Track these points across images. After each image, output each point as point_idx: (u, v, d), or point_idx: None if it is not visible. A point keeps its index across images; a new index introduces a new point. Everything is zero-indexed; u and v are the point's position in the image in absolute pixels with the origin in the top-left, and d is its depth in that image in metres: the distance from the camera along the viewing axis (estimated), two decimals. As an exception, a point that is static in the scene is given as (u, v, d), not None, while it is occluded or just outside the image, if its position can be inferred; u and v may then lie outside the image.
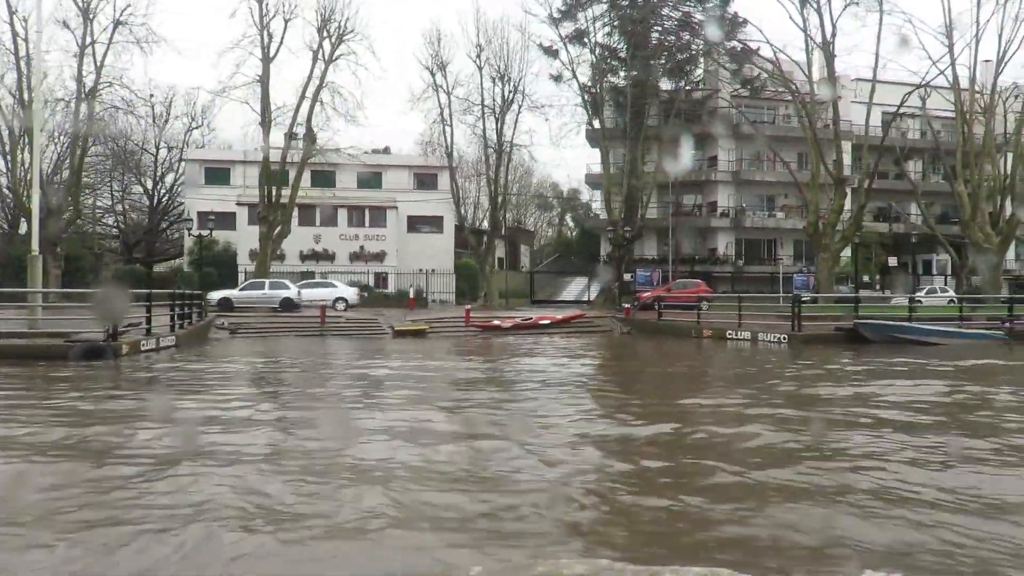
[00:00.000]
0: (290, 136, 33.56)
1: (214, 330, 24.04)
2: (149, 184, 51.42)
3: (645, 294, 36.32)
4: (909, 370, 15.34)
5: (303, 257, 39.69)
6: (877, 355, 19.13)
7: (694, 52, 43.99)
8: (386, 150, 48.67)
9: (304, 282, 33.01)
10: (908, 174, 46.31)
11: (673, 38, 43.33)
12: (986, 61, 39.00)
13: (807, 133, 32.70)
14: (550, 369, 15.49)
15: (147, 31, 32.94)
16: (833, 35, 31.93)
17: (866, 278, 46.02)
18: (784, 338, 21.73)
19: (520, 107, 37.53)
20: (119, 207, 48.61)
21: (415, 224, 44.49)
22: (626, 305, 29.17)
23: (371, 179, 43.88)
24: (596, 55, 40.45)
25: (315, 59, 33.69)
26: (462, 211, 40.72)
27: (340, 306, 32.01)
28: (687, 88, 45.76)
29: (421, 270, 42.49)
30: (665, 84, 44.17)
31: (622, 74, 44.14)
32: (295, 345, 21.51)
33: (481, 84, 36.59)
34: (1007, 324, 22.05)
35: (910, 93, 32.94)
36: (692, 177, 47.44)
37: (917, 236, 44.82)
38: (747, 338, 22.71)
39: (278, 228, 34.65)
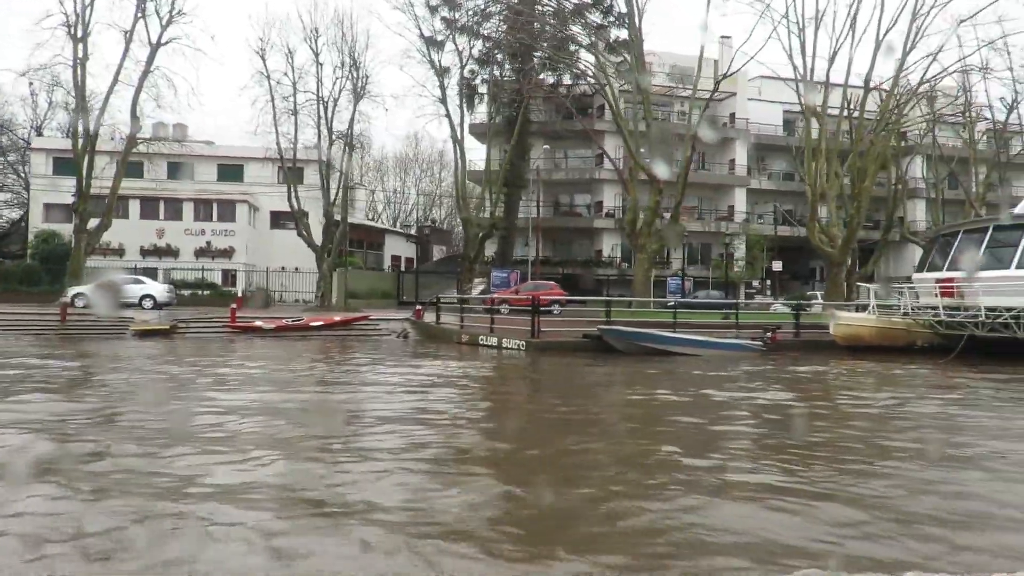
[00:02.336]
0: (98, 123, 31.58)
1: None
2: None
3: (491, 296, 34.52)
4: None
5: (144, 252, 37.76)
6: (585, 364, 17.23)
7: (575, 45, 41.86)
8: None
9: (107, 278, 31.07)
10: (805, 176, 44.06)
11: (550, 28, 41.24)
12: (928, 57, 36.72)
13: (622, 126, 30.63)
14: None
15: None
16: (639, 29, 29.72)
17: (755, 283, 43.96)
18: (522, 345, 19.72)
19: (359, 96, 35.36)
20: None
21: (280, 220, 42.51)
22: (417, 307, 27.10)
23: (231, 172, 41.93)
24: (458, 46, 38.32)
25: (128, 41, 31.71)
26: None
27: (147, 304, 30.09)
28: (571, 83, 43.73)
29: (283, 268, 40.62)
30: (548, 78, 42.23)
31: (507, 67, 42.16)
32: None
33: (318, 72, 34.56)
34: (769, 334, 19.93)
35: (717, 76, 30.70)
36: (578, 176, 45.43)
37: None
38: (494, 344, 20.68)
39: (93, 221, 32.74)
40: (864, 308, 22.50)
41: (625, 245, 45.00)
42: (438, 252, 63.21)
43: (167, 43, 33.25)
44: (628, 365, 17.24)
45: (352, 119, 36.29)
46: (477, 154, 52.47)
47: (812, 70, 29.64)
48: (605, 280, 43.04)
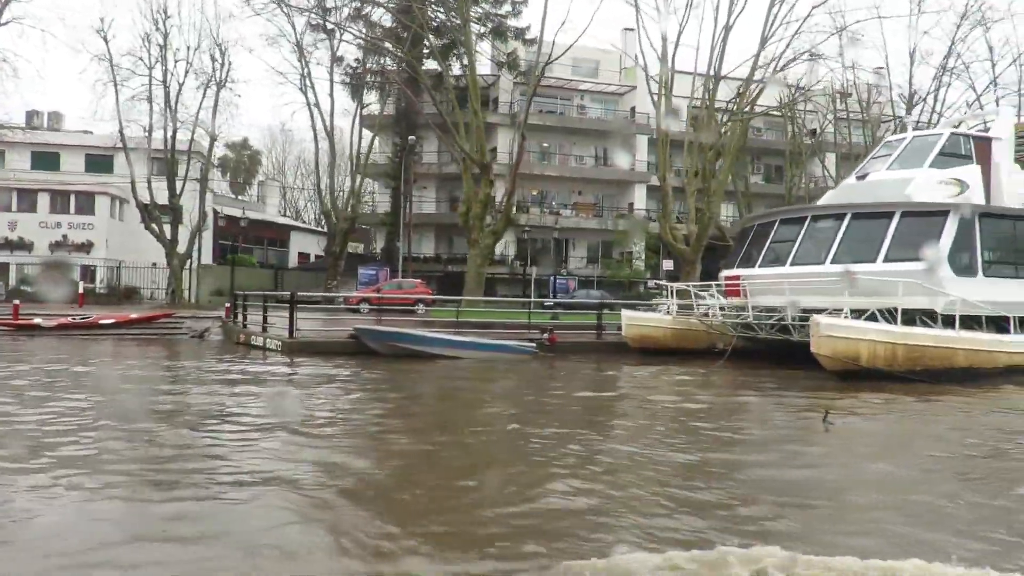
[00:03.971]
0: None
1: None
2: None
3: (352, 295, 33.07)
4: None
5: (-6, 246, 35.91)
6: (314, 365, 15.77)
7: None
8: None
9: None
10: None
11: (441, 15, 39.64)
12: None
13: (446, 116, 29.34)
14: None
15: None
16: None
17: (652, 282, 42.58)
18: (279, 345, 18.21)
19: (221, 83, 33.78)
20: None
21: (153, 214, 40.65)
22: (226, 304, 25.44)
23: (100, 163, 40.02)
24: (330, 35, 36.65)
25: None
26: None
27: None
28: (462, 73, 42.12)
29: (154, 264, 38.78)
30: (437, 69, 40.61)
31: (399, 55, 40.45)
32: None
33: (163, 56, 32.83)
34: (546, 335, 18.47)
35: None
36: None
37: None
38: (260, 344, 19.20)
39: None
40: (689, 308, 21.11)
41: (521, 242, 43.46)
42: (352, 248, 61.56)
43: (7, 23, 31.53)
44: (371, 367, 15.83)
45: (215, 106, 34.78)
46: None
47: (661, 55, 28.31)
48: (494, 279, 41.51)
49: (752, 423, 10.54)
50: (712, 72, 28.29)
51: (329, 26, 36.74)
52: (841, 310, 14.18)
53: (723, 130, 29.57)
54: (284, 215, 66.97)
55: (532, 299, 22.68)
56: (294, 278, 42.63)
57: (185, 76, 32.99)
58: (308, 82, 35.17)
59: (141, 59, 33.51)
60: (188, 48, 32.94)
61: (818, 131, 44.57)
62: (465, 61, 40.62)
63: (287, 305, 19.16)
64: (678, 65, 32.78)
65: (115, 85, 32.24)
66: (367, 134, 39.17)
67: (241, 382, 13.16)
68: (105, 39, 31.82)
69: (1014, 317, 14.89)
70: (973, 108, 33.17)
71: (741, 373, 16.20)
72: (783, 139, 46.18)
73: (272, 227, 52.22)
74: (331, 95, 36.17)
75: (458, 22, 39.56)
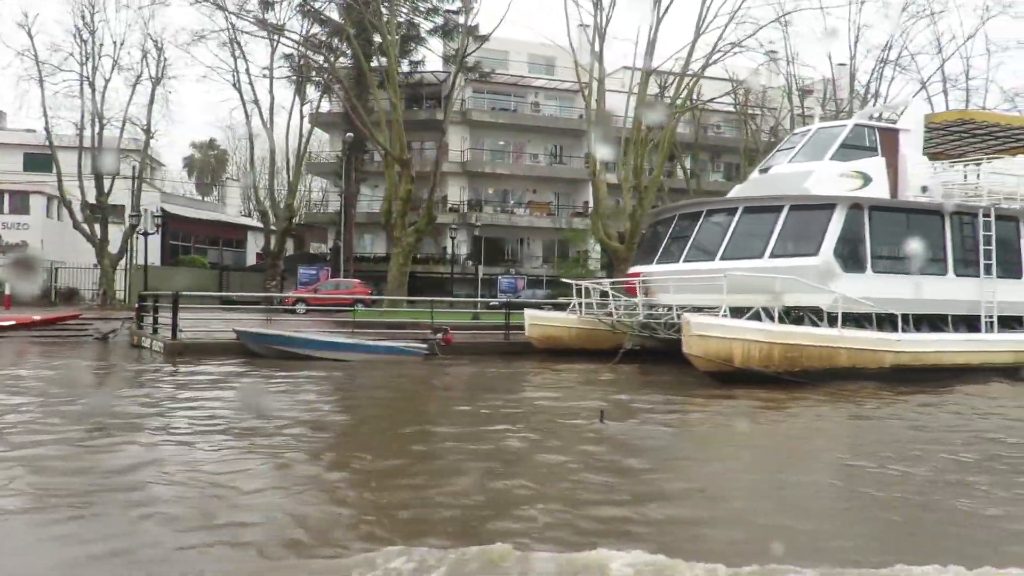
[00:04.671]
0: None
1: None
2: None
3: (288, 295, 32.41)
4: None
5: (-77, 246, 35.03)
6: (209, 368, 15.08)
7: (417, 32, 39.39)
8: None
9: None
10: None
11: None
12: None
13: (361, 113, 28.50)
14: None
15: None
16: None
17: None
18: (162, 346, 17.50)
19: (158, 79, 33.02)
20: None
21: (94, 213, 39.77)
22: (135, 306, 24.66)
23: (39, 162, 39.12)
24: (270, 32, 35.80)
25: None
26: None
27: None
28: (411, 71, 41.34)
29: (95, 265, 37.97)
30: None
31: (349, 53, 39.67)
32: None
33: (93, 51, 31.97)
34: (439, 336, 17.74)
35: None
36: (418, 169, 42.98)
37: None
38: (148, 346, 18.53)
39: None
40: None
41: (477, 241, 42.65)
42: (315, 248, 60.71)
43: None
44: (248, 366, 15.19)
45: (150, 103, 34.01)
46: (320, 145, 49.04)
47: (594, 42, 27.67)
48: (443, 278, 40.73)
49: (534, 420, 9.90)
50: (644, 64, 27.62)
51: (268, 22, 35.94)
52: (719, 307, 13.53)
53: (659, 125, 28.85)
54: (249, 215, 66.06)
55: (432, 299, 21.81)
56: (242, 279, 41.76)
57: (111, 72, 32.15)
58: (247, 77, 34.35)
59: (72, 55, 32.69)
60: (115, 43, 32.03)
61: (776, 127, 43.96)
62: (412, 58, 40.25)
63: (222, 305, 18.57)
64: (621, 62, 32.41)
65: (40, 81, 31.40)
66: (308, 131, 38.46)
67: (64, 383, 12.52)
68: (29, 33, 30.98)
69: (902, 314, 14.22)
70: (914, 99, 32.57)
71: (639, 372, 15.68)
72: (742, 136, 45.64)
73: (228, 227, 51.37)
74: (271, 92, 35.40)
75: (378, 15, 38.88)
